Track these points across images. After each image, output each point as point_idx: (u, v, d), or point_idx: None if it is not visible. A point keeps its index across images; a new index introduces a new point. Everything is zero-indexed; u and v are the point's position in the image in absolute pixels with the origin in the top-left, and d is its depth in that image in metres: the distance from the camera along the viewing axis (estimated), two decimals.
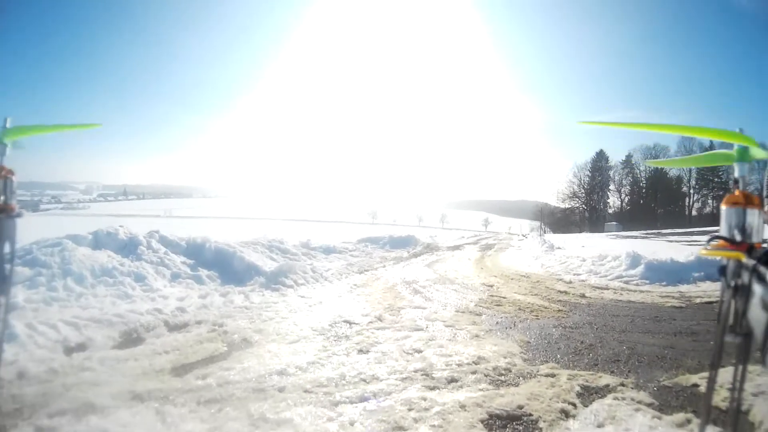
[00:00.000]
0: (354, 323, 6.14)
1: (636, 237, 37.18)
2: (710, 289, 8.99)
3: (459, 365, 4.64)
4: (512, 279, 10.69)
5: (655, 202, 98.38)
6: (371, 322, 6.22)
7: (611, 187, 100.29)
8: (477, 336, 5.73)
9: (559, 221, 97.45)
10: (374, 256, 14.48)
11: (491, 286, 9.58)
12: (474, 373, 4.44)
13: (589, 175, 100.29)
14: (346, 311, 6.76)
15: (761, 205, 1.29)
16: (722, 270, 1.28)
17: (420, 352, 5.01)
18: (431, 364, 4.64)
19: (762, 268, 1.08)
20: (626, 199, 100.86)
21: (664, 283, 9.65)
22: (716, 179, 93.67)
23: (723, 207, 1.36)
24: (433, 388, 4.07)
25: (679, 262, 10.46)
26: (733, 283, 1.25)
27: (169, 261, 8.10)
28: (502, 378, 4.41)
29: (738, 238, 1.31)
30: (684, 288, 9.26)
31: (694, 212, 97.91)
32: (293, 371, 4.40)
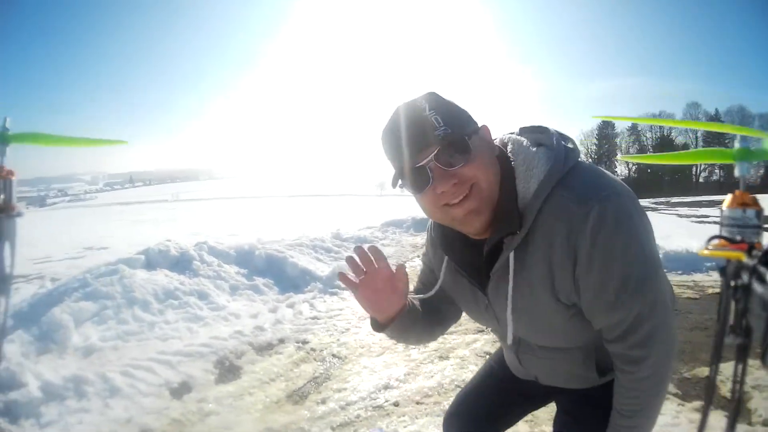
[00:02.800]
0: None
1: (647, 208, 37.37)
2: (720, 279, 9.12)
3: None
4: None
5: (663, 170, 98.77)
6: None
7: (618, 155, 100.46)
8: None
9: None
10: (404, 244, 14.30)
11: None
12: None
13: (596, 143, 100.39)
14: None
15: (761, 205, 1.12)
16: (722, 270, 0.99)
17: (490, 353, 5.00)
18: None
19: (762, 268, 0.87)
20: (633, 167, 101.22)
21: (680, 272, 9.71)
22: (724, 147, 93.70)
23: (723, 207, 1.13)
24: None
25: (693, 253, 10.41)
26: (732, 283, 0.95)
27: (225, 273, 7.86)
28: None
29: (738, 237, 1.09)
30: (698, 277, 9.37)
31: (701, 180, 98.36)
32: (396, 384, 4.57)
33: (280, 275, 8.34)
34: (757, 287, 0.87)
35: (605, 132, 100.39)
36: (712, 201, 42.74)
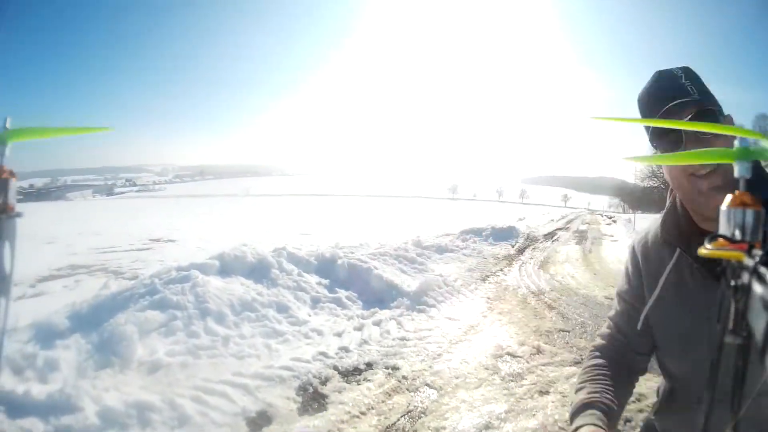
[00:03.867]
0: (517, 356, 5.77)
1: None
2: None
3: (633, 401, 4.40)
4: None
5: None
6: (533, 354, 5.84)
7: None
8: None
9: (638, 200, 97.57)
10: (485, 255, 13.76)
11: (613, 299, 8.96)
12: (639, 411, 4.33)
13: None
14: (501, 338, 6.40)
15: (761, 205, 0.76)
16: (722, 270, 0.74)
17: None
18: None
19: (762, 269, 0.63)
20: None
21: None
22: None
23: (723, 208, 0.79)
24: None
25: None
26: (732, 284, 0.72)
27: (305, 284, 7.35)
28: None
29: (738, 237, 0.78)
30: None
31: None
32: (497, 424, 4.25)
33: (365, 288, 7.83)
34: (757, 287, 0.67)
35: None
36: None
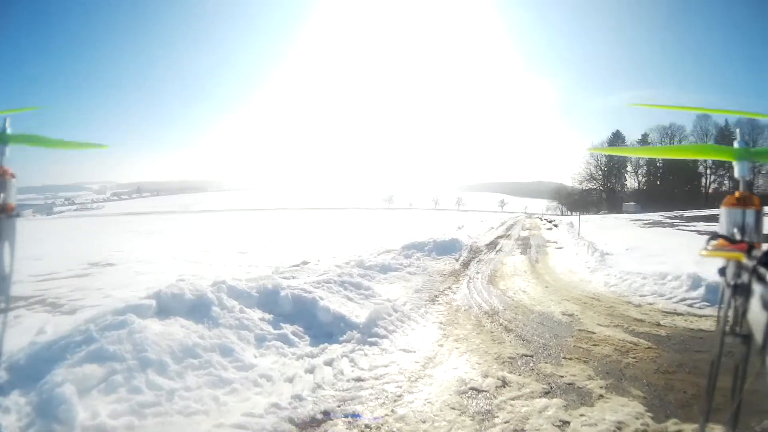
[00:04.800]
0: (482, 390, 5.55)
1: (662, 223, 39.64)
2: None
3: None
4: (585, 304, 10.20)
5: (672, 182, 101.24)
6: (498, 387, 5.64)
7: (628, 168, 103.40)
8: (602, 396, 5.43)
9: (576, 202, 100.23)
10: (430, 271, 13.76)
11: (571, 315, 9.18)
12: None
13: (606, 156, 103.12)
14: (463, 370, 6.17)
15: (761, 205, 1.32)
16: (722, 270, 1.32)
17: (568, 423, 4.74)
18: None
19: (761, 269, 1.06)
20: (643, 180, 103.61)
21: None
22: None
23: (723, 208, 1.43)
24: None
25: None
26: (733, 284, 1.27)
27: (248, 321, 6.94)
28: None
29: (738, 237, 1.35)
30: None
31: (710, 191, 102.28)
32: None
33: (311, 321, 7.53)
34: (757, 287, 1.06)
35: (616, 144, 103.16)
36: None
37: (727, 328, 1.45)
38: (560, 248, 22.66)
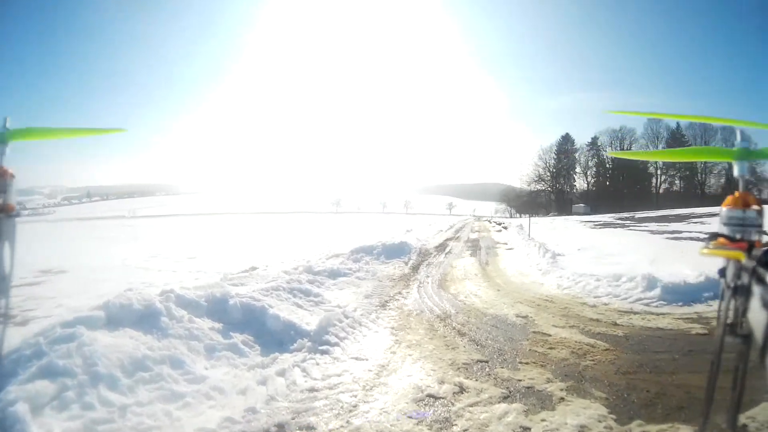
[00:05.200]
0: (439, 397, 5.47)
1: (613, 224, 39.95)
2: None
3: None
4: (539, 306, 10.26)
5: (622, 183, 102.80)
6: (455, 393, 5.57)
7: (577, 169, 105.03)
8: (563, 399, 5.38)
9: (525, 204, 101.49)
10: (380, 276, 13.82)
11: (525, 317, 9.19)
12: None
13: (555, 158, 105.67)
14: (418, 377, 6.11)
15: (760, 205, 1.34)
16: (722, 271, 1.37)
17: (529, 429, 4.71)
18: None
19: (761, 270, 1.08)
20: (592, 181, 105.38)
21: (680, 303, 9.86)
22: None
23: (723, 207, 1.43)
24: None
25: (691, 284, 10.64)
26: (732, 284, 1.31)
27: (198, 330, 6.87)
28: None
29: (738, 236, 1.38)
30: (699, 308, 9.50)
31: (660, 191, 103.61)
32: None
33: (261, 329, 7.47)
34: (757, 288, 1.08)
35: (565, 147, 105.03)
36: (679, 215, 44.82)
37: (727, 329, 1.49)
38: (510, 249, 22.84)
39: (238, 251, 25.09)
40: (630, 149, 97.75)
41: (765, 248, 1.27)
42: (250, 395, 5.52)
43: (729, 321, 1.41)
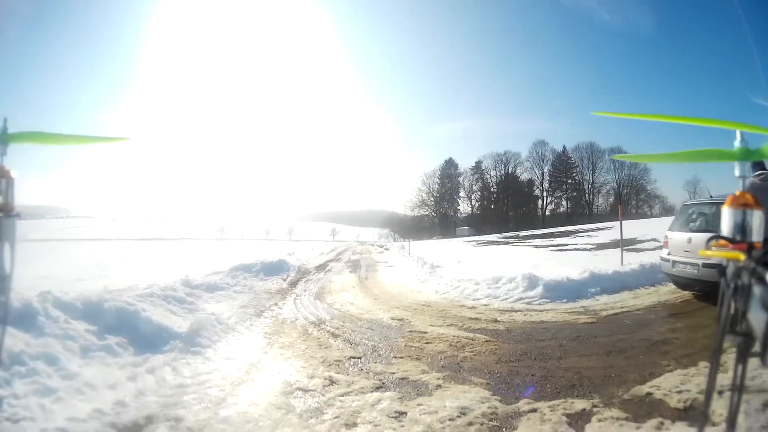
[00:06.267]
0: (309, 389, 5.62)
1: (496, 242, 40.05)
2: (610, 302, 9.64)
3: (452, 420, 4.59)
4: (416, 310, 10.40)
5: (507, 205, 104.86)
6: (326, 386, 5.72)
7: (461, 193, 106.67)
8: (440, 386, 5.54)
9: (409, 228, 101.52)
10: (257, 290, 13.96)
11: (401, 320, 9.33)
12: (470, 425, 4.48)
13: (439, 182, 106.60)
14: (287, 374, 6.26)
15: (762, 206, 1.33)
16: (722, 271, 1.30)
17: (405, 414, 4.79)
18: (429, 426, 4.51)
19: (761, 269, 1.11)
20: (477, 204, 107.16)
21: (564, 300, 9.96)
22: (570, 180, 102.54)
23: (724, 208, 1.36)
24: None
25: (575, 280, 10.91)
26: (732, 284, 1.26)
27: (73, 331, 7.00)
28: (496, 424, 4.50)
29: (737, 237, 1.34)
30: (585, 303, 9.67)
31: (547, 213, 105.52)
32: None
33: (134, 332, 7.59)
34: (757, 288, 1.01)
35: (448, 172, 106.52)
36: (565, 231, 46.43)
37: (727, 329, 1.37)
38: (390, 266, 22.98)
39: (121, 273, 24.64)
40: (515, 173, 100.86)
41: (765, 248, 1.24)
42: (120, 390, 5.69)
43: (728, 321, 1.31)
